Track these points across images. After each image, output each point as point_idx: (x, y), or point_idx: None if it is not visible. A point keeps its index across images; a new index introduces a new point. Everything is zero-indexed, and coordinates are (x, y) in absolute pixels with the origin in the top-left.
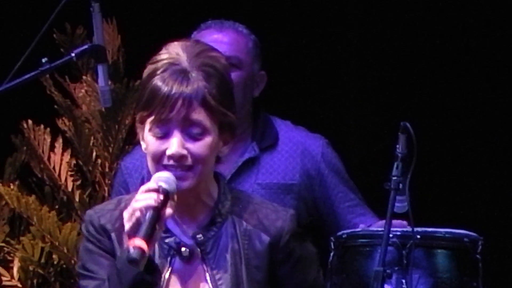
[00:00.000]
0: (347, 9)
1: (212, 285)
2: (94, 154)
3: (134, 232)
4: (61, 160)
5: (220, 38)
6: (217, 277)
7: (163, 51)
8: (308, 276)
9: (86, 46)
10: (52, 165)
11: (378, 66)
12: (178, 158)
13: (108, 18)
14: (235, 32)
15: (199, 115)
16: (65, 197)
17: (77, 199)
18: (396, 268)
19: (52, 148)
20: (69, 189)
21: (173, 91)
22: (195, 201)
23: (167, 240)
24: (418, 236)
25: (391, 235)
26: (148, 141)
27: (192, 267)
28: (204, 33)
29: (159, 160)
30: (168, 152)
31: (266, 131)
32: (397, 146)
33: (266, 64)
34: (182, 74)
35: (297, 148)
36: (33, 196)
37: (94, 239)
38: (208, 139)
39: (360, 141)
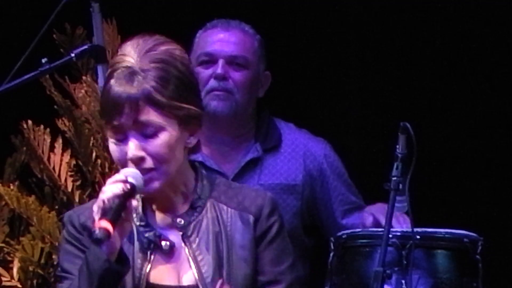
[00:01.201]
0: (348, 10)
1: (194, 266)
2: (94, 154)
3: (100, 217)
4: (61, 160)
5: (227, 38)
6: (199, 258)
7: (119, 51)
8: (278, 262)
9: (86, 47)
10: (52, 165)
11: (378, 66)
12: (137, 161)
13: (108, 19)
14: (242, 32)
15: (147, 115)
16: (65, 198)
17: (77, 199)
18: (396, 269)
19: (52, 148)
20: (69, 189)
21: (120, 96)
22: (174, 193)
23: (146, 234)
24: (418, 237)
25: (390, 236)
26: (112, 149)
27: (173, 259)
28: (210, 32)
29: (123, 165)
30: (128, 156)
31: (270, 132)
32: (397, 146)
33: (266, 65)
34: (129, 76)
35: (299, 149)
36: (33, 197)
37: (73, 239)
38: (164, 136)
39: (360, 141)
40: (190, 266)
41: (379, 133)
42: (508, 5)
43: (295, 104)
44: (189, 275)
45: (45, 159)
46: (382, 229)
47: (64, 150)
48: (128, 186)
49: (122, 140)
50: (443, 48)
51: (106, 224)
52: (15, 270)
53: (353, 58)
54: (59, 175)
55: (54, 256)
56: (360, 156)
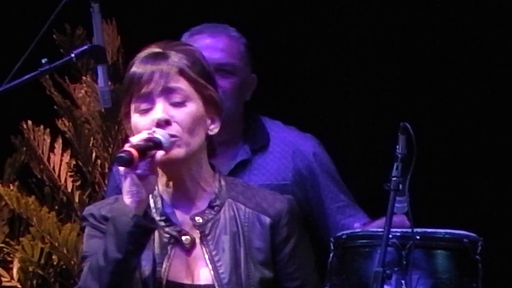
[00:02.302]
0: (347, 9)
1: (211, 266)
2: (93, 154)
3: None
4: (61, 160)
5: (213, 44)
6: (216, 258)
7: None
8: (304, 266)
9: (85, 47)
10: (51, 165)
11: (378, 66)
12: (163, 123)
13: (107, 19)
14: (228, 38)
15: (178, 83)
16: (64, 198)
17: (76, 199)
18: (395, 269)
19: (51, 148)
20: (69, 189)
21: (150, 67)
22: (193, 187)
23: (167, 229)
24: (418, 237)
25: (390, 236)
26: (136, 122)
27: (190, 257)
28: (196, 38)
29: None
30: (154, 119)
31: (258, 132)
32: (397, 146)
33: (266, 65)
34: (158, 55)
35: (288, 148)
36: (33, 197)
37: (95, 226)
38: (190, 106)
39: (360, 141)
40: (207, 265)
41: (379, 133)
42: (508, 5)
43: (295, 103)
44: (206, 274)
45: (45, 159)
46: (382, 229)
47: (64, 150)
48: (154, 135)
49: (148, 110)
50: (443, 48)
51: (131, 149)
52: (15, 271)
53: (353, 58)
54: (59, 176)
55: (54, 257)
56: (360, 156)
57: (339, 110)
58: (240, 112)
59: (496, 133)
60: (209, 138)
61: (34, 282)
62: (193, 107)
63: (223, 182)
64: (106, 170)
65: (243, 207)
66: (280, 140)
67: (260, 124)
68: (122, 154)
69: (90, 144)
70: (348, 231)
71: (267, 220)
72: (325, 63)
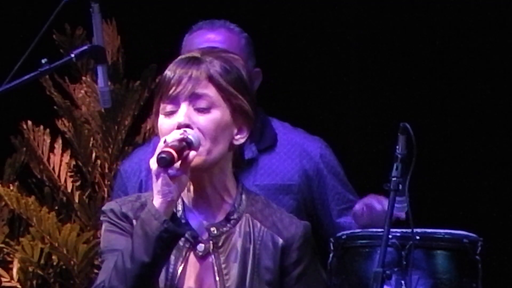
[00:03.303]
0: (347, 9)
1: (219, 278)
2: (93, 155)
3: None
4: (61, 161)
5: (213, 38)
6: (225, 271)
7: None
8: None
9: (85, 47)
10: (51, 166)
11: (378, 67)
12: (184, 127)
13: (107, 19)
14: (227, 31)
15: (206, 89)
16: (64, 198)
17: (76, 200)
18: (395, 269)
19: (51, 149)
20: (69, 190)
21: (181, 71)
22: (214, 196)
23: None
24: (418, 237)
25: (390, 236)
26: (160, 123)
27: (201, 265)
28: (196, 34)
29: None
30: (175, 122)
31: (265, 132)
32: (397, 147)
33: (265, 65)
34: (192, 59)
35: (295, 149)
36: (33, 197)
37: (115, 223)
38: (215, 113)
39: (360, 141)
40: (214, 277)
41: (379, 133)
42: (508, 5)
43: (295, 104)
44: (213, 285)
45: (45, 159)
46: (382, 230)
47: (64, 150)
48: (187, 136)
49: (173, 112)
50: (443, 48)
51: (170, 149)
52: (14, 271)
53: (353, 58)
54: (58, 176)
55: (53, 257)
56: (360, 156)
57: (339, 110)
58: None
59: (496, 133)
60: (235, 148)
61: (34, 282)
62: (218, 114)
63: (244, 196)
64: (106, 170)
65: (259, 224)
66: (287, 141)
67: (267, 124)
68: (164, 155)
69: (90, 145)
70: (348, 232)
71: (280, 241)
72: (325, 63)
